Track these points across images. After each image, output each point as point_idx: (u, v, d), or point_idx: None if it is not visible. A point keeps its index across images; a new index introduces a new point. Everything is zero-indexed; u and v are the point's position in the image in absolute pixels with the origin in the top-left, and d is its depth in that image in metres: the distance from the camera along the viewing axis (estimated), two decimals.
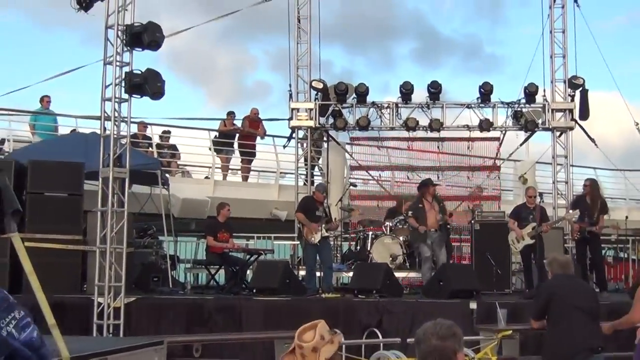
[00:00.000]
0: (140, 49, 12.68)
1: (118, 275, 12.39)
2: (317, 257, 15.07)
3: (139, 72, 12.60)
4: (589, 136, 18.40)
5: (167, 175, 17.37)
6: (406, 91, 18.01)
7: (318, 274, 15.28)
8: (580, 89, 18.12)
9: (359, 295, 13.79)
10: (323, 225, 14.69)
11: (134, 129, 18.53)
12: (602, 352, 7.91)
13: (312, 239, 14.63)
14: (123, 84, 12.60)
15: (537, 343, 8.82)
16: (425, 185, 15.57)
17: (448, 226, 15.53)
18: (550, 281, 8.20)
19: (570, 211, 15.46)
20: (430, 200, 15.20)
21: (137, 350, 5.02)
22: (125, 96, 12.70)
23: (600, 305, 8.18)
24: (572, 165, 19.05)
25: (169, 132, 21.08)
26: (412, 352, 9.98)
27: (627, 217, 19.06)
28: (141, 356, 5.07)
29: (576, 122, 18.13)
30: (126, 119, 12.89)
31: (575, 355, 7.67)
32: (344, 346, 8.86)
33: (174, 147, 21.09)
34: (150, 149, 19.93)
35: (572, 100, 18.19)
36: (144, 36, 12.47)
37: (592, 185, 15.42)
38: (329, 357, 4.53)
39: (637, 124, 19.15)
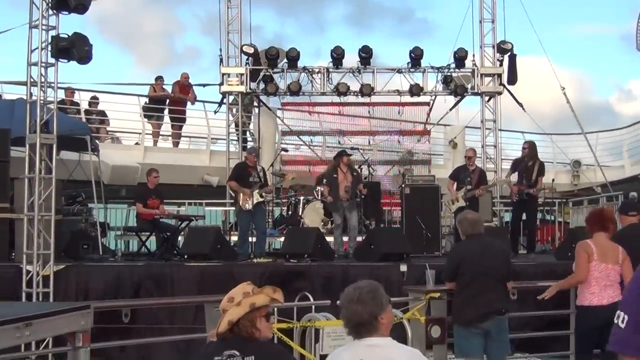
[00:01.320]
0: (67, 12, 12.45)
1: (47, 243, 12.25)
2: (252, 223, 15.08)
3: (66, 36, 12.39)
4: (516, 101, 18.67)
5: (96, 141, 17.11)
6: (337, 56, 18.03)
7: (251, 239, 15.27)
8: (509, 53, 18.34)
9: (291, 260, 13.81)
10: (257, 190, 14.64)
11: (62, 94, 18.21)
12: (507, 314, 8.05)
13: (246, 205, 14.58)
14: (49, 49, 12.37)
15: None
16: (339, 155, 15.50)
17: (363, 196, 15.51)
18: (461, 243, 8.27)
19: (506, 177, 15.65)
20: (345, 171, 15.12)
21: (63, 315, 4.97)
22: (52, 61, 12.48)
23: (510, 267, 8.26)
24: (501, 130, 19.33)
25: (97, 98, 20.76)
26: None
27: (553, 180, 19.39)
28: (67, 321, 5.02)
29: (504, 86, 18.38)
30: (53, 84, 12.67)
31: (481, 317, 7.78)
32: (275, 310, 8.86)
33: (102, 113, 20.79)
34: (78, 115, 19.62)
35: (501, 65, 18.44)
36: None
37: (530, 148, 15.54)
38: (235, 321, 4.44)
39: (564, 88, 19.46)
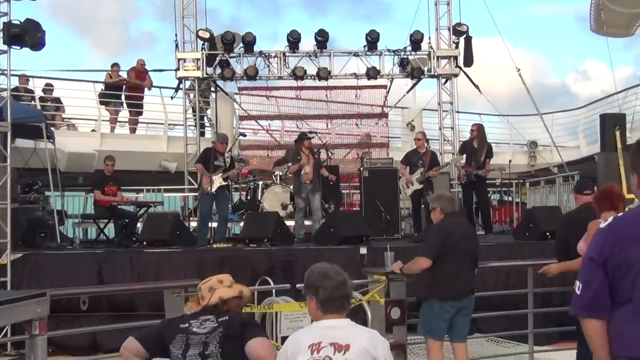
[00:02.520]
0: None
1: (3, 232, 12.15)
2: (214, 207, 15.04)
3: (18, 23, 12.23)
4: (472, 82, 18.78)
5: (52, 128, 16.93)
6: (293, 40, 18.02)
7: (212, 224, 15.24)
8: (465, 36, 18.44)
9: (250, 245, 13.80)
10: (221, 175, 14.60)
11: (15, 81, 17.98)
12: (474, 294, 8.17)
13: (209, 188, 14.53)
14: (1, 35, 12.24)
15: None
16: (300, 138, 15.54)
17: (331, 182, 15.58)
18: (444, 222, 8.28)
19: (458, 156, 15.77)
20: (307, 154, 15.16)
21: (19, 303, 4.92)
22: (4, 47, 12.34)
23: (478, 248, 8.36)
24: (458, 112, 19.47)
25: (51, 85, 20.55)
26: (302, 297, 10.10)
27: (510, 161, 19.54)
28: (23, 309, 4.98)
29: (460, 68, 18.47)
30: (6, 72, 12.52)
31: (455, 295, 7.91)
32: None
33: (57, 100, 20.57)
34: (33, 102, 19.41)
35: (457, 47, 18.52)
36: None
37: (478, 130, 15.69)
38: (225, 298, 4.95)
39: (519, 69, 19.60)
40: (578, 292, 3.74)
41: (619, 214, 3.87)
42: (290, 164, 15.38)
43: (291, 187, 16.23)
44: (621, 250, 3.63)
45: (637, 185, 3.80)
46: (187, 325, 4.89)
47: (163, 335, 4.95)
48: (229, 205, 16.62)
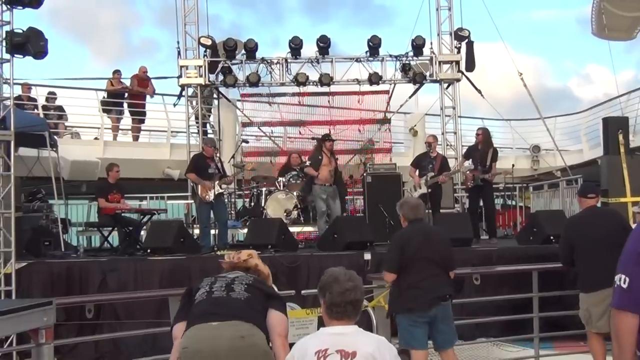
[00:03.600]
0: (21, 7, 12.31)
1: (7, 241, 12.16)
2: (212, 215, 15.05)
3: (21, 31, 12.25)
4: (475, 87, 18.77)
5: (55, 137, 16.94)
6: (295, 46, 18.01)
7: (213, 231, 15.26)
8: (466, 40, 18.43)
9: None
10: (217, 182, 14.63)
11: (18, 90, 18.02)
12: (450, 300, 7.97)
13: (207, 197, 14.56)
14: (4, 44, 12.25)
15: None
16: (323, 139, 15.57)
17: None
18: (404, 230, 8.17)
19: (466, 163, 15.77)
20: (329, 155, 15.22)
21: (25, 312, 4.93)
22: (7, 56, 12.36)
23: (452, 253, 8.19)
24: (460, 117, 19.42)
25: (54, 93, 20.57)
26: (307, 304, 10.11)
27: (513, 166, 19.55)
28: (29, 317, 4.98)
29: (462, 73, 18.46)
30: (9, 80, 12.53)
31: (421, 306, 7.69)
32: None
33: (60, 109, 20.60)
34: (36, 110, 19.44)
35: (459, 52, 18.51)
36: None
37: (484, 134, 15.71)
38: (256, 263, 5.59)
39: (521, 74, 19.60)
40: (624, 286, 3.72)
41: None
42: (309, 162, 15.40)
43: (295, 193, 16.24)
44: None
45: None
46: (214, 276, 5.38)
47: (194, 294, 5.26)
48: (232, 212, 16.64)
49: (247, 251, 5.60)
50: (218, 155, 15.75)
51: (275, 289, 5.87)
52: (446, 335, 7.97)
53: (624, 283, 3.71)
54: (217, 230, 15.16)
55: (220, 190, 14.81)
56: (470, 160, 15.56)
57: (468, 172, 15.52)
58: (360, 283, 4.52)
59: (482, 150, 15.42)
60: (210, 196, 14.55)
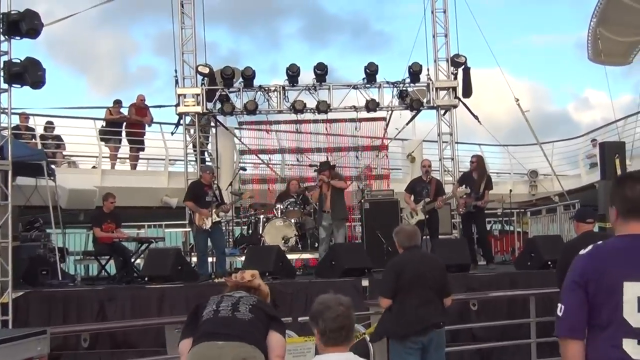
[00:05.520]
0: (19, 38, 12.37)
1: (4, 270, 12.12)
2: (209, 243, 15.03)
3: (19, 61, 12.29)
4: (472, 113, 18.81)
5: (52, 166, 16.97)
6: (293, 74, 18.07)
7: (211, 259, 15.26)
8: (463, 67, 18.49)
9: None
10: (214, 210, 14.64)
11: (16, 120, 18.04)
12: (444, 327, 7.96)
13: (203, 225, 14.58)
14: (2, 74, 12.29)
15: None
16: (318, 172, 15.55)
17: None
18: (398, 257, 8.19)
19: (461, 188, 15.79)
20: (326, 182, 15.11)
21: (19, 341, 4.92)
22: (5, 86, 12.39)
23: (447, 280, 8.13)
24: (458, 143, 19.46)
25: (52, 122, 20.60)
26: (305, 331, 10.07)
27: (511, 191, 19.56)
28: (24, 346, 4.98)
29: (459, 99, 18.50)
30: (7, 110, 12.57)
31: (414, 332, 7.67)
32: None
33: (58, 138, 20.62)
34: (34, 140, 19.46)
35: (455, 78, 18.55)
36: (22, 24, 12.15)
37: (478, 162, 15.79)
38: (259, 284, 5.80)
39: (518, 100, 19.67)
40: (560, 314, 3.90)
41: (599, 242, 4.00)
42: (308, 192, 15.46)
43: (293, 220, 16.27)
44: (602, 274, 3.80)
45: (614, 219, 4.01)
46: (221, 295, 5.62)
47: (200, 311, 5.49)
48: (230, 240, 16.63)
49: (250, 271, 5.79)
50: (216, 182, 15.76)
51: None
52: None
53: (560, 311, 3.91)
54: (214, 258, 15.16)
55: (217, 219, 14.83)
56: (465, 185, 15.58)
57: (461, 198, 15.54)
58: (351, 305, 4.52)
59: (476, 177, 15.46)
60: (207, 224, 14.57)
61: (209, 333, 5.26)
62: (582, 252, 3.96)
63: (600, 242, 4.02)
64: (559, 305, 3.93)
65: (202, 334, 5.29)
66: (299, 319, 10.02)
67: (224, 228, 16.62)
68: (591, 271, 3.84)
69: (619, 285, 3.75)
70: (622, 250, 3.87)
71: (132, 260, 15.25)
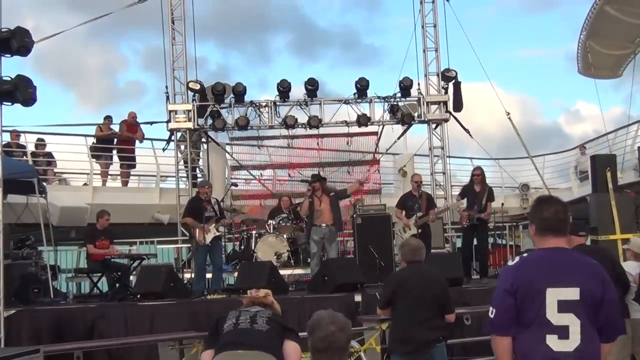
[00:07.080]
0: (9, 55, 12.31)
1: None
2: (208, 258, 14.96)
3: (9, 79, 12.24)
4: (463, 127, 18.86)
5: (44, 183, 16.90)
6: (284, 89, 18.09)
7: (209, 275, 15.21)
8: (453, 81, 18.53)
9: (245, 295, 13.70)
10: (214, 225, 14.60)
11: (7, 137, 17.98)
12: (444, 342, 7.95)
13: (203, 240, 14.51)
14: None
15: None
16: (312, 181, 15.44)
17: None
18: (399, 271, 8.22)
19: (457, 201, 15.79)
20: (319, 196, 15.14)
21: None
22: None
23: (448, 296, 8.10)
24: (449, 157, 19.50)
25: (43, 140, 20.53)
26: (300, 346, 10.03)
27: (503, 205, 19.56)
28: None
29: (450, 113, 18.54)
30: None
31: (418, 347, 7.69)
32: None
33: (49, 155, 20.56)
34: (25, 157, 19.40)
35: (446, 92, 18.61)
36: (12, 42, 12.09)
37: (482, 174, 15.84)
38: (272, 302, 6.37)
39: (509, 113, 19.70)
40: (492, 316, 4.63)
41: (524, 255, 4.82)
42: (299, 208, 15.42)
43: (285, 236, 16.23)
44: (529, 282, 4.55)
45: (533, 234, 4.79)
46: (239, 310, 6.16)
47: (221, 324, 6.01)
48: (223, 256, 16.59)
49: (264, 290, 6.46)
50: (215, 197, 15.69)
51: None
52: None
53: (492, 314, 4.63)
54: (211, 274, 15.14)
55: (217, 233, 14.77)
56: (465, 199, 15.58)
57: (463, 211, 15.54)
58: (346, 326, 4.45)
59: (479, 190, 15.48)
60: (207, 239, 14.52)
61: (230, 343, 5.78)
62: (510, 263, 4.77)
63: (525, 254, 4.84)
64: (491, 308, 4.64)
65: (224, 344, 5.81)
66: (307, 330, 10.01)
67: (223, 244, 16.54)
68: (520, 280, 4.57)
69: (542, 291, 4.49)
70: (544, 262, 4.62)
71: (125, 277, 15.19)
